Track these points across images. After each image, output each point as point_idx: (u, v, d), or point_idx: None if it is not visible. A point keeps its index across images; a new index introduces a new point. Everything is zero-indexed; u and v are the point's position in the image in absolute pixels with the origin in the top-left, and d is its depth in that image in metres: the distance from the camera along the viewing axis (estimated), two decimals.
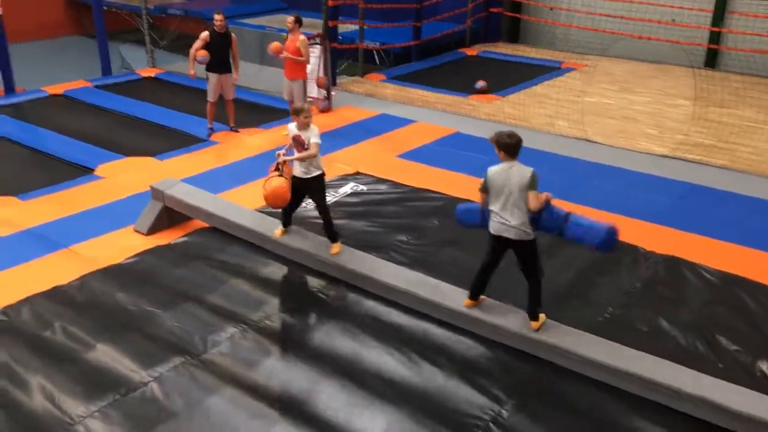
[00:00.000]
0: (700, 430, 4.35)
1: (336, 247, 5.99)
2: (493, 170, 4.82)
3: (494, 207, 4.82)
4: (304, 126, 5.79)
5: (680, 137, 9.50)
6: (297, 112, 5.80)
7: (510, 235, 4.81)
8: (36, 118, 10.48)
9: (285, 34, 9.67)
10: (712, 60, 13.73)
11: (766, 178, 8.30)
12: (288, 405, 4.56)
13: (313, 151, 5.74)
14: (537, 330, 4.96)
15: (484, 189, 4.86)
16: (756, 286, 5.90)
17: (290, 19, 9.38)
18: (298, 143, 5.81)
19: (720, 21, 13.46)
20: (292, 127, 5.87)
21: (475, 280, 5.15)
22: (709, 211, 7.42)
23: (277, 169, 5.89)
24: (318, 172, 5.88)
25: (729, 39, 13.41)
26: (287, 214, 6.19)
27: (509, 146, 4.75)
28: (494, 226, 4.87)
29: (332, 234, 6.02)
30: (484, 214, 4.97)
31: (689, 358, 4.92)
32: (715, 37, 13.55)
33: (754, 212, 7.40)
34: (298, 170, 5.86)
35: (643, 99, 11.63)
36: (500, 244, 4.91)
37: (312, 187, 5.92)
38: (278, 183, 5.81)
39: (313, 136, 5.77)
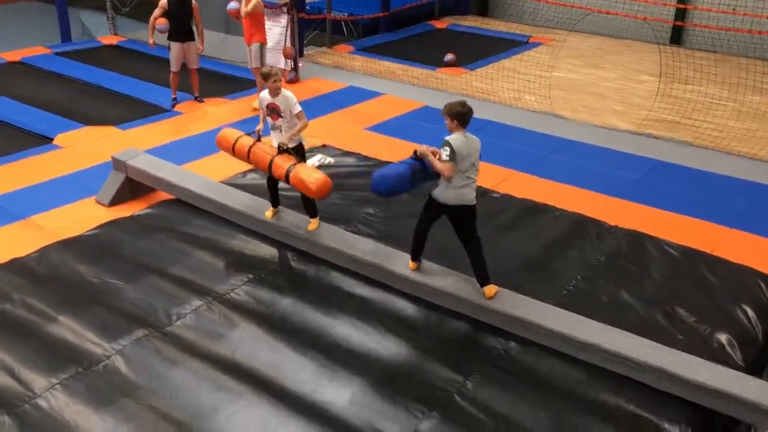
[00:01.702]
0: (659, 399, 4.45)
1: (314, 223, 5.88)
2: (458, 141, 4.81)
3: (458, 177, 4.83)
4: (274, 92, 5.60)
5: (645, 113, 9.60)
6: (265, 77, 5.60)
7: (472, 201, 4.93)
8: None
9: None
10: (677, 36, 13.87)
11: (727, 155, 8.45)
12: (253, 377, 4.54)
13: (305, 121, 5.65)
14: (493, 296, 4.99)
15: (453, 158, 4.78)
16: (715, 261, 6.02)
17: None
18: (274, 111, 5.65)
19: None
20: (264, 95, 5.69)
21: (417, 244, 5.27)
22: (672, 186, 7.53)
23: (283, 151, 5.64)
24: (298, 142, 5.76)
25: (694, 16, 13.54)
26: (275, 191, 6.02)
27: (465, 115, 4.82)
28: (454, 196, 4.89)
29: (312, 209, 5.88)
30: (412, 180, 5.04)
31: (650, 330, 5.01)
32: (680, 14, 13.67)
33: (715, 188, 7.53)
34: (278, 140, 5.71)
35: (609, 75, 11.71)
36: (451, 212, 4.98)
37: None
38: (322, 175, 5.53)
39: (293, 105, 5.61)
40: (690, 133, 9.00)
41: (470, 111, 4.85)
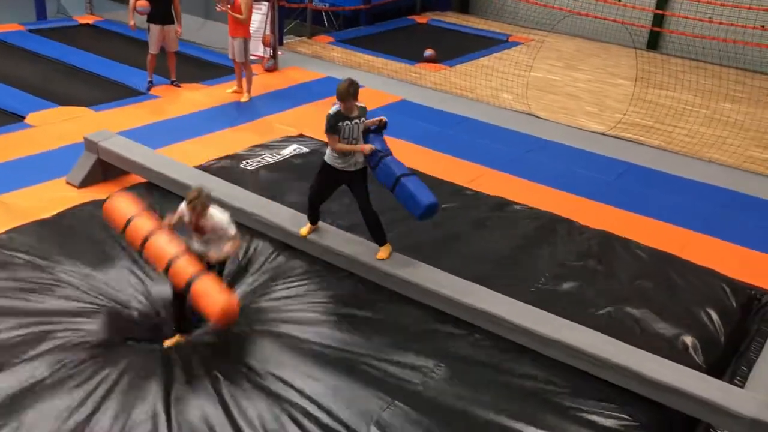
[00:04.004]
0: (622, 396, 4.52)
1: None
2: None
3: None
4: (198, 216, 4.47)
5: (619, 116, 9.71)
6: (188, 200, 4.45)
7: None
8: None
9: None
10: (654, 42, 14.04)
11: (698, 160, 8.58)
12: (232, 370, 4.53)
13: (238, 241, 4.68)
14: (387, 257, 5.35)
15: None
16: (682, 263, 6.12)
17: None
18: (197, 231, 4.58)
19: (664, 4, 13.76)
20: (184, 209, 4.54)
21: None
22: (643, 190, 7.63)
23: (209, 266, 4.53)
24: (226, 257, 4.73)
25: (671, 22, 13.72)
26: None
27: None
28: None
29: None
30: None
31: (616, 329, 5.07)
32: (658, 20, 13.84)
33: (684, 193, 7.65)
34: (199, 251, 4.59)
35: (585, 77, 11.82)
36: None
37: None
38: (228, 301, 4.28)
39: (226, 228, 4.55)
40: (662, 138, 9.13)
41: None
